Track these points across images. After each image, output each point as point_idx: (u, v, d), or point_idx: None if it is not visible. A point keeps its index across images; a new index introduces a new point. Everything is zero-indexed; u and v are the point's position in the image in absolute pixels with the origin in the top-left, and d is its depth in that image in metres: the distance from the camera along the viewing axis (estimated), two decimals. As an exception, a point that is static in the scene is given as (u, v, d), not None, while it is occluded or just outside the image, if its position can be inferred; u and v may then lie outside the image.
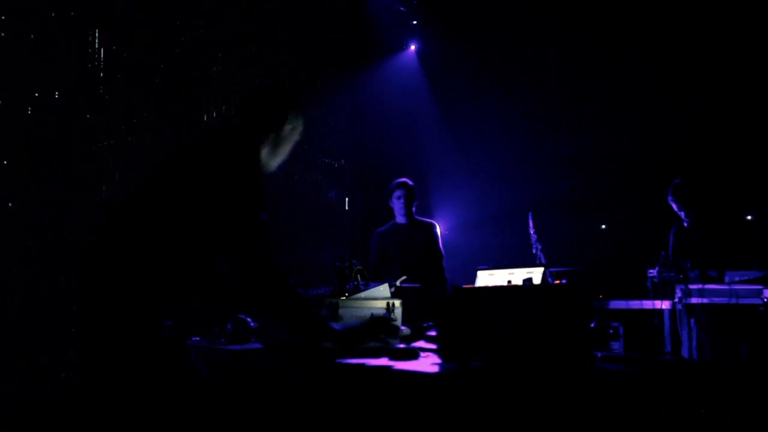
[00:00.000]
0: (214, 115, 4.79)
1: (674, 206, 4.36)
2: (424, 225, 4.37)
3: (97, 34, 4.07)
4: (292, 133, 2.26)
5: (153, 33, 4.35)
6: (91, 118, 4.01)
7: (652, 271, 4.06)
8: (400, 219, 4.37)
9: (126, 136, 4.20)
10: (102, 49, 4.10)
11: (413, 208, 4.33)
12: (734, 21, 4.84)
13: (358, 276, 2.66)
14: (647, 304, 4.15)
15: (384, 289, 2.61)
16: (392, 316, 2.56)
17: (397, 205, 4.32)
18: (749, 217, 4.90)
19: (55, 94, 3.86)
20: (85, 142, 3.99)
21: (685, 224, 4.39)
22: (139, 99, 4.30)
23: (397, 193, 4.31)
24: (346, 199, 6.15)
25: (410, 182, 4.38)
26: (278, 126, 2.20)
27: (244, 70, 5.09)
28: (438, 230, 4.38)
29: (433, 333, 2.64)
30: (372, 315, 2.38)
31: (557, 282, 3.44)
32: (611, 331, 4.15)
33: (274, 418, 2.31)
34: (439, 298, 1.95)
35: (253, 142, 2.16)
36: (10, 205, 3.65)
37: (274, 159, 2.26)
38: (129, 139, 4.22)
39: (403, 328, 2.61)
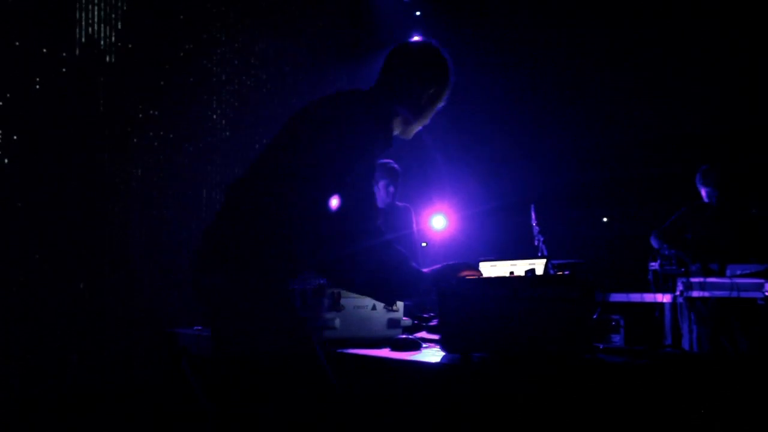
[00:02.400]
0: (215, 110, 4.78)
1: (703, 191, 4.28)
2: (399, 209, 3.98)
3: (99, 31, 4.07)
4: (435, 100, 1.99)
5: (155, 30, 4.34)
6: (94, 119, 4.02)
7: (653, 264, 4.06)
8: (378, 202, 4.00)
9: (130, 138, 4.20)
10: (103, 45, 4.08)
11: (396, 194, 3.92)
12: (741, 15, 4.81)
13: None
14: (648, 297, 4.16)
15: (386, 280, 2.60)
16: (394, 308, 2.56)
17: (379, 195, 3.81)
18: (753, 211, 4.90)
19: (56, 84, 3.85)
20: (87, 143, 3.99)
21: (708, 212, 4.29)
22: (142, 98, 4.29)
23: (381, 183, 3.84)
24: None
25: (394, 166, 3.89)
26: (421, 87, 1.94)
27: (244, 65, 5.08)
28: (413, 214, 4.02)
29: (434, 323, 2.64)
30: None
31: (559, 273, 3.44)
32: (612, 324, 4.16)
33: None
34: (441, 289, 1.95)
35: (390, 102, 1.92)
36: (19, 204, 3.66)
37: (411, 126, 2.01)
38: (134, 141, 4.22)
39: (404, 318, 2.62)
